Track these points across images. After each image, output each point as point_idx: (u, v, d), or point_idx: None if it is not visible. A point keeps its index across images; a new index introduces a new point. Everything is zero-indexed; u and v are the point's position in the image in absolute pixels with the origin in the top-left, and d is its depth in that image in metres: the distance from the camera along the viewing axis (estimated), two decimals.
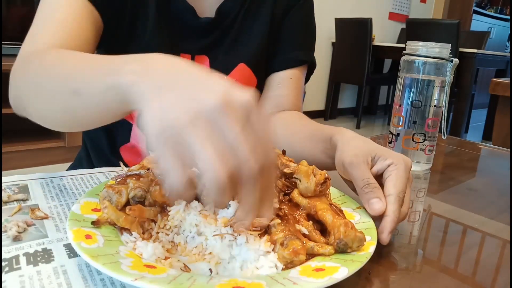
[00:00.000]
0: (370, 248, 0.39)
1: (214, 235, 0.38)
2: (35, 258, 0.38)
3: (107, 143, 0.82)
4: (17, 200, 0.49)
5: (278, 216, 0.41)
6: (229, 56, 0.78)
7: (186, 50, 0.76)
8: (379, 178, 0.50)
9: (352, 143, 0.53)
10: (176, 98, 0.32)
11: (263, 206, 0.35)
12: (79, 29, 0.63)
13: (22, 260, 0.37)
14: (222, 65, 0.78)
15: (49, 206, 0.49)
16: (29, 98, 0.53)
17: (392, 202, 0.46)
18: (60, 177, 0.58)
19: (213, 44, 0.78)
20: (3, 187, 0.52)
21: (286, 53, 0.82)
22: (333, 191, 0.53)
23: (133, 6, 0.71)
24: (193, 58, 0.77)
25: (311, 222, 0.42)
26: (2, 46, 2.21)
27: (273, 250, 0.38)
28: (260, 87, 0.83)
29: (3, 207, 0.47)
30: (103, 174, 0.60)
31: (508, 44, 7.20)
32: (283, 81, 0.82)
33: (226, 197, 0.31)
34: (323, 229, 0.42)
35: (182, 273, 0.34)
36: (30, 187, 0.54)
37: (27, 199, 0.50)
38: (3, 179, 0.55)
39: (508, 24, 7.05)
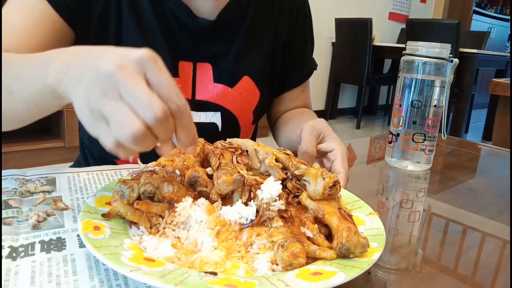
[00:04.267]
0: (374, 255, 0.38)
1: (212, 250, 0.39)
2: (48, 246, 0.40)
3: (100, 157, 0.82)
4: (43, 192, 0.52)
5: (282, 217, 0.41)
6: (234, 68, 0.78)
7: (187, 57, 0.75)
8: (319, 152, 0.65)
9: (315, 121, 0.68)
10: (85, 81, 0.37)
11: (182, 139, 0.38)
12: (29, 37, 0.63)
13: (37, 247, 0.40)
14: (227, 76, 0.77)
15: (71, 198, 0.52)
16: None
17: (342, 178, 0.59)
18: (86, 172, 0.61)
19: (217, 53, 0.77)
20: (31, 179, 0.56)
21: (297, 69, 0.89)
22: (348, 195, 0.53)
23: (119, 10, 0.70)
24: (195, 66, 0.75)
25: (316, 225, 0.42)
26: None
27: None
28: (262, 100, 0.83)
29: (29, 197, 0.51)
30: (127, 171, 0.62)
31: (508, 44, 7.19)
32: (296, 95, 0.90)
33: (145, 144, 0.35)
34: (331, 233, 0.42)
35: (179, 268, 0.35)
36: (58, 180, 0.57)
37: (52, 191, 0.53)
38: (33, 171, 0.58)
39: (508, 24, 7.05)
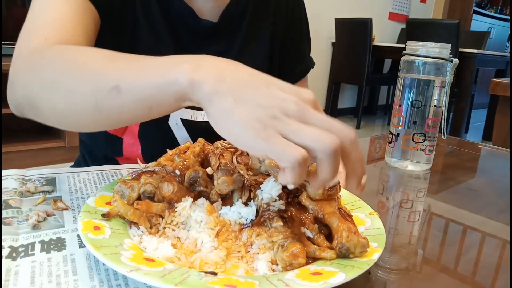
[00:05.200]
0: (374, 255, 0.38)
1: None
2: (48, 246, 0.40)
3: (101, 155, 0.82)
4: (43, 192, 0.52)
5: (282, 218, 0.41)
6: None
7: None
8: None
9: None
10: (258, 100, 0.35)
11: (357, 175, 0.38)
12: (79, 25, 0.61)
13: (37, 247, 0.40)
14: None
15: (71, 198, 0.52)
16: (43, 96, 0.49)
17: (343, 178, 0.59)
18: (86, 172, 0.61)
19: (217, 52, 0.77)
20: (31, 179, 0.56)
21: (294, 66, 0.89)
22: (348, 195, 0.53)
23: (133, 5, 0.70)
24: None
25: (316, 225, 0.42)
26: (2, 46, 2.21)
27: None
28: None
29: (29, 197, 0.50)
30: (127, 171, 0.62)
31: (508, 44, 7.19)
32: None
33: (336, 163, 0.34)
34: (331, 233, 0.41)
35: (179, 268, 0.35)
36: (58, 180, 0.57)
37: (52, 191, 0.53)
38: (33, 171, 0.58)
39: (508, 24, 7.05)
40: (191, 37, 0.75)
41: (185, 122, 0.77)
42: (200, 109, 0.81)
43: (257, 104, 0.35)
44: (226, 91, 0.36)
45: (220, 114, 0.37)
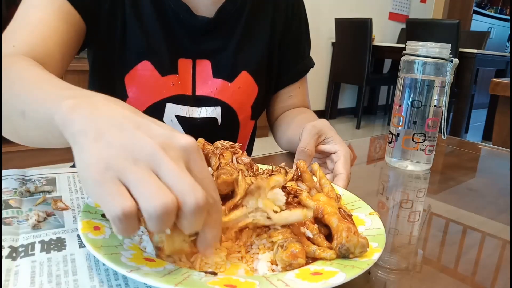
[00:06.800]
0: (374, 255, 0.38)
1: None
2: (48, 246, 0.40)
3: None
4: (43, 192, 0.52)
5: None
6: (232, 63, 0.79)
7: (187, 54, 0.76)
8: (322, 153, 0.65)
9: (317, 121, 0.67)
10: (114, 140, 0.32)
11: (208, 237, 0.34)
12: (52, 31, 0.63)
13: (37, 247, 0.40)
14: (226, 72, 0.78)
15: (71, 198, 0.52)
16: None
17: (343, 179, 0.59)
18: None
19: (215, 49, 0.78)
20: (31, 179, 0.56)
21: (293, 65, 0.89)
22: (348, 195, 0.53)
23: (123, 8, 0.71)
24: (194, 63, 0.77)
25: (316, 225, 0.42)
26: None
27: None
28: (260, 95, 0.84)
29: (29, 197, 0.50)
30: None
31: (508, 44, 7.19)
32: (293, 91, 0.90)
33: (165, 226, 0.31)
34: (331, 234, 0.41)
35: (179, 268, 0.35)
36: (58, 180, 0.57)
37: (52, 191, 0.53)
38: (33, 171, 0.58)
39: (508, 24, 7.05)
40: (186, 34, 0.75)
41: (180, 119, 0.77)
42: (195, 106, 0.82)
43: (112, 144, 0.31)
44: (90, 130, 0.33)
45: (76, 151, 0.33)
